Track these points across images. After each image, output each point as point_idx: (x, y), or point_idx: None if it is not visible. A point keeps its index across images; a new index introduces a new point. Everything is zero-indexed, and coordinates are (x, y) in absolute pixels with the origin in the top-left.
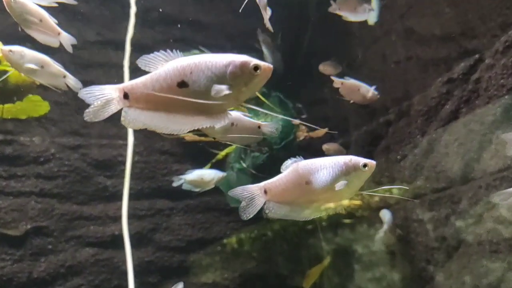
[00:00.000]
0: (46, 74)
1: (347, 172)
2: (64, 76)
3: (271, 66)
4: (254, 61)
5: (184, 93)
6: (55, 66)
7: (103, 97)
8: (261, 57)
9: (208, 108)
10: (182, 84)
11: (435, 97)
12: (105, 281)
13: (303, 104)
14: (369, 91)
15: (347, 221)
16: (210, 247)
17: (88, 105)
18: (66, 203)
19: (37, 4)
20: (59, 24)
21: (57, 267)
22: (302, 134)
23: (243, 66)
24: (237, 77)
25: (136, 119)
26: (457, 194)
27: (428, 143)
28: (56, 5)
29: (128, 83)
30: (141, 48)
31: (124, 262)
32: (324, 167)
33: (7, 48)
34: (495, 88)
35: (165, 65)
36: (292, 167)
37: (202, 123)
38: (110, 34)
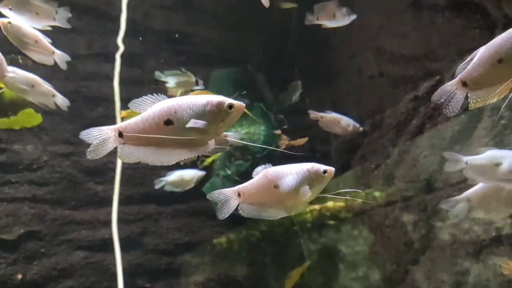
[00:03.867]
0: (37, 93)
1: (310, 177)
2: (53, 95)
3: (243, 104)
4: (228, 100)
5: (170, 130)
6: (45, 86)
7: (101, 137)
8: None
9: (192, 142)
10: (168, 122)
11: (403, 112)
12: (95, 283)
13: (284, 115)
14: (350, 124)
15: (331, 222)
16: (196, 249)
17: (79, 114)
18: (58, 208)
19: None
20: (52, 41)
21: (49, 269)
22: (283, 143)
23: (219, 105)
24: (214, 115)
25: (130, 154)
26: (423, 203)
27: (398, 154)
28: (50, 28)
29: (122, 123)
30: (130, 60)
31: (114, 264)
32: (289, 173)
33: None
34: None
35: (153, 106)
36: (262, 173)
37: (187, 154)
38: (101, 47)
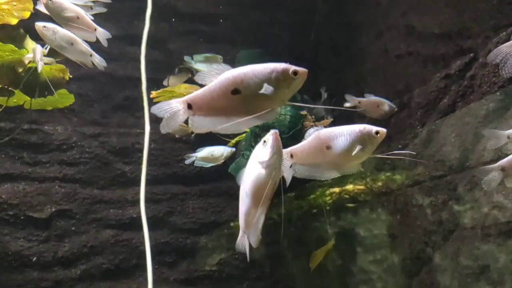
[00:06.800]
0: (75, 51)
1: (362, 138)
2: (91, 55)
3: (306, 70)
4: (293, 67)
5: (238, 99)
6: (83, 45)
7: (171, 110)
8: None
9: (260, 109)
10: (235, 92)
11: (434, 91)
12: (124, 260)
13: (308, 96)
14: (386, 105)
15: (350, 205)
16: (221, 229)
17: (106, 95)
18: (88, 187)
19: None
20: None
21: (80, 247)
22: (309, 124)
23: (285, 72)
24: (280, 82)
25: (201, 124)
26: (454, 181)
27: (427, 134)
28: (91, 4)
29: (190, 95)
30: (156, 42)
31: (142, 243)
32: (342, 134)
33: (41, 24)
34: (488, 85)
35: (219, 77)
36: (315, 134)
37: (255, 121)
38: (127, 28)
